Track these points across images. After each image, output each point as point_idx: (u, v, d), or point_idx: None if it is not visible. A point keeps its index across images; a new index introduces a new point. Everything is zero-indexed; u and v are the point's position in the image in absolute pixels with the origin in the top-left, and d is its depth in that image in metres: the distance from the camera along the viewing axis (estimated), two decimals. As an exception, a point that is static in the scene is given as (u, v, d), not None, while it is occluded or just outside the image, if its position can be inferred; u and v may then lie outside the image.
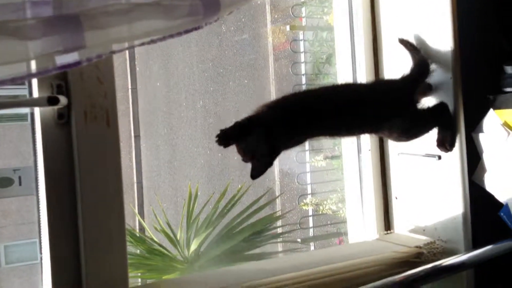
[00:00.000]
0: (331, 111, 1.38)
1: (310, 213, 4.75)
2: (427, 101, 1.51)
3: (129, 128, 6.23)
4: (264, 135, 1.30)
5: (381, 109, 1.42)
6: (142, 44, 0.95)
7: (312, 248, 4.55)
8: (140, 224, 4.42)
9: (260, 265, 1.57)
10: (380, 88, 1.51)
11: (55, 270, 1.20)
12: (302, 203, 4.45)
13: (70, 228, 1.21)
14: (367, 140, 1.74)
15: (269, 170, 1.32)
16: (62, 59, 0.89)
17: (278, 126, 1.32)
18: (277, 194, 5.30)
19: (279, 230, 3.96)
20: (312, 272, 1.34)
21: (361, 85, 1.62)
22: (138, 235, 3.84)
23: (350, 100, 1.42)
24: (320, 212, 4.37)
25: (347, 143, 1.83)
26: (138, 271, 3.56)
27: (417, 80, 1.47)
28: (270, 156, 1.31)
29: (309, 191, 4.73)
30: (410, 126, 1.46)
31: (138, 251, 3.63)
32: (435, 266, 1.33)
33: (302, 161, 4.86)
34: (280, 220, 4.14)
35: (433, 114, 1.48)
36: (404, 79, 1.48)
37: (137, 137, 6.25)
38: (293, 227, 4.46)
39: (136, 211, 5.93)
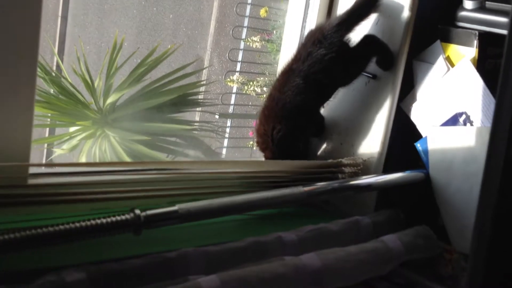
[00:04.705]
0: None
1: (234, 90, 4.74)
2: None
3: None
4: None
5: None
6: None
7: (228, 124, 4.61)
8: (58, 63, 4.20)
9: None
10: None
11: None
12: (228, 79, 4.41)
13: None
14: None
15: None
16: None
17: None
18: (206, 65, 5.20)
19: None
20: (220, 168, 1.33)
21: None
22: (53, 73, 3.66)
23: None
24: (244, 92, 4.37)
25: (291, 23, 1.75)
26: (48, 111, 3.43)
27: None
28: None
29: (237, 69, 4.68)
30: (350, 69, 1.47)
31: (51, 91, 3.47)
32: (342, 182, 1.36)
33: (237, 36, 4.73)
34: (203, 92, 4.10)
35: (366, 48, 1.47)
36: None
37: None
38: (214, 101, 4.45)
39: (56, 47, 5.60)
